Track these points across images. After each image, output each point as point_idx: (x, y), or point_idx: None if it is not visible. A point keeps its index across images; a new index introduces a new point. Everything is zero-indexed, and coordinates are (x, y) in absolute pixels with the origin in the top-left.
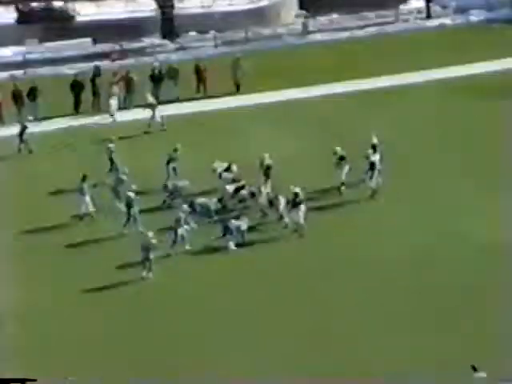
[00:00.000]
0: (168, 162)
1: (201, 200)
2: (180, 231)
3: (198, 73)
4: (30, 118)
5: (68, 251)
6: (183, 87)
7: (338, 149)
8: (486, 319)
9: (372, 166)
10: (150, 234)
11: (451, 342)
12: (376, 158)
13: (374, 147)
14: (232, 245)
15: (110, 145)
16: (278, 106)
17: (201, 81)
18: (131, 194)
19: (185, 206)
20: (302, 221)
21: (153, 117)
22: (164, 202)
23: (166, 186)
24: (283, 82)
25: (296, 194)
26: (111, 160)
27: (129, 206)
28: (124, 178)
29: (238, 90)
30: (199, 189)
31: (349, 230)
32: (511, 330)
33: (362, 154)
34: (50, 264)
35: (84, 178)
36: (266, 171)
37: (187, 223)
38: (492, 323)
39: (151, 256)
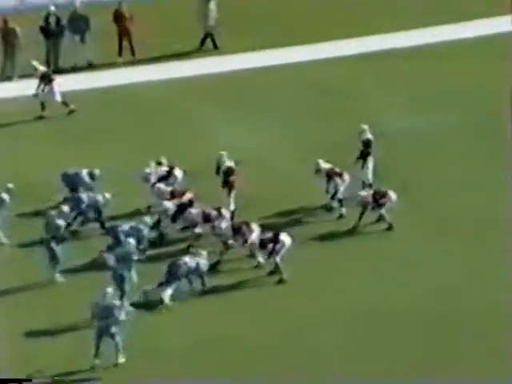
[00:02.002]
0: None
1: (128, 225)
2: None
3: (121, 23)
4: None
5: None
6: (98, 46)
7: (321, 162)
8: None
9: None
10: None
11: None
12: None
13: (366, 144)
14: (167, 296)
15: None
16: (252, 75)
17: (125, 36)
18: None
19: (132, 241)
20: (278, 259)
21: (49, 93)
22: (68, 225)
23: (68, 199)
24: (263, 38)
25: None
26: None
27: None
28: (5, 197)
29: (214, 45)
30: (123, 208)
31: (343, 269)
32: None
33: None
34: None
35: None
36: (227, 179)
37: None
38: None
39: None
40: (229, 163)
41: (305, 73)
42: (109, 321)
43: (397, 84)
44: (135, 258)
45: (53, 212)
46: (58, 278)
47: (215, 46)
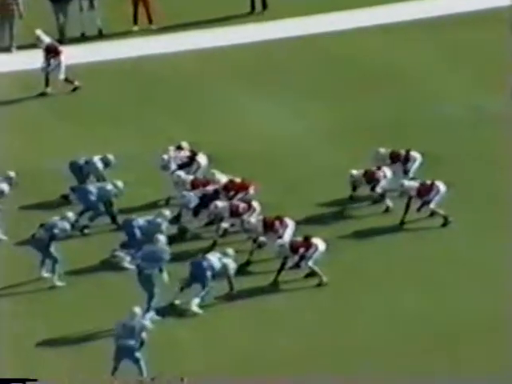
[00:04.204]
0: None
1: (144, 219)
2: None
3: None
4: None
5: None
6: (109, 12)
7: (354, 172)
8: None
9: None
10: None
11: None
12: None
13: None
14: (195, 305)
15: None
16: (286, 45)
17: (141, 0)
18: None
19: (162, 238)
20: (310, 263)
21: (52, 66)
22: (75, 221)
23: (75, 190)
24: (298, 2)
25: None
26: None
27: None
28: (4, 187)
29: (264, 6)
30: (137, 199)
31: (389, 271)
32: None
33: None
34: None
35: None
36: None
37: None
38: None
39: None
40: (223, 179)
41: (348, 43)
42: (134, 344)
43: (457, 57)
44: (167, 257)
45: (55, 217)
46: (58, 281)
47: (264, 6)
